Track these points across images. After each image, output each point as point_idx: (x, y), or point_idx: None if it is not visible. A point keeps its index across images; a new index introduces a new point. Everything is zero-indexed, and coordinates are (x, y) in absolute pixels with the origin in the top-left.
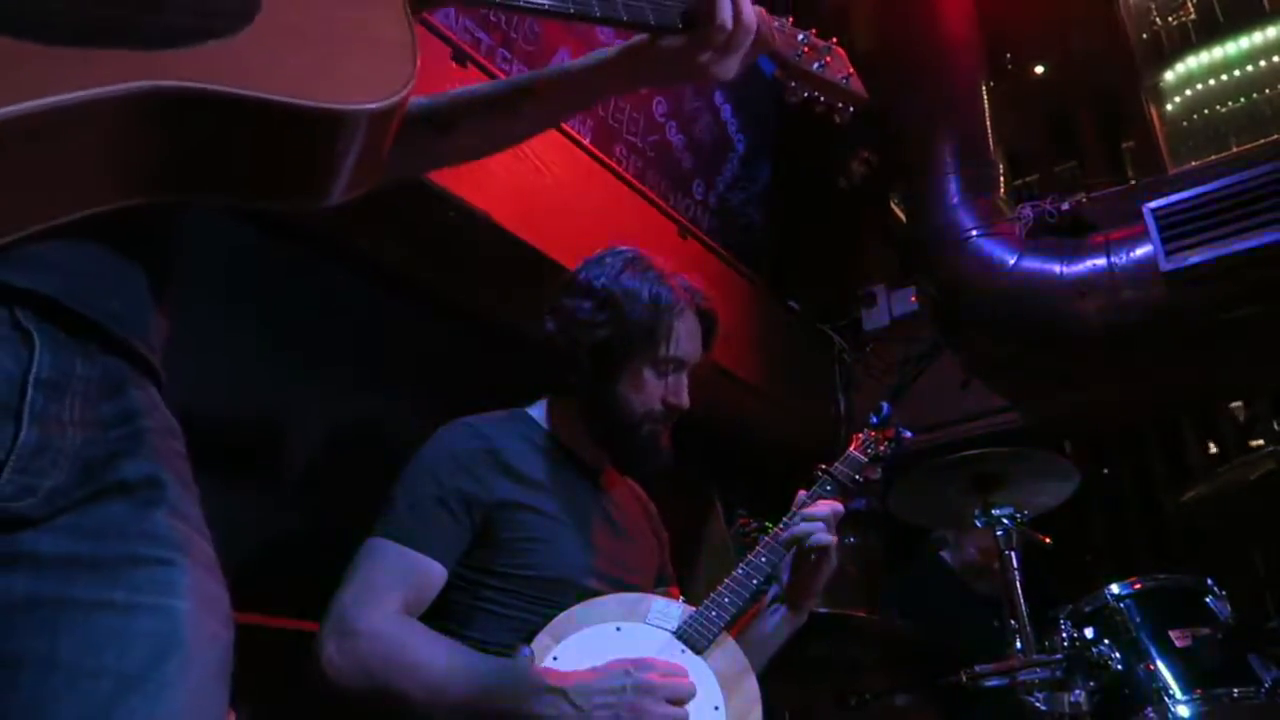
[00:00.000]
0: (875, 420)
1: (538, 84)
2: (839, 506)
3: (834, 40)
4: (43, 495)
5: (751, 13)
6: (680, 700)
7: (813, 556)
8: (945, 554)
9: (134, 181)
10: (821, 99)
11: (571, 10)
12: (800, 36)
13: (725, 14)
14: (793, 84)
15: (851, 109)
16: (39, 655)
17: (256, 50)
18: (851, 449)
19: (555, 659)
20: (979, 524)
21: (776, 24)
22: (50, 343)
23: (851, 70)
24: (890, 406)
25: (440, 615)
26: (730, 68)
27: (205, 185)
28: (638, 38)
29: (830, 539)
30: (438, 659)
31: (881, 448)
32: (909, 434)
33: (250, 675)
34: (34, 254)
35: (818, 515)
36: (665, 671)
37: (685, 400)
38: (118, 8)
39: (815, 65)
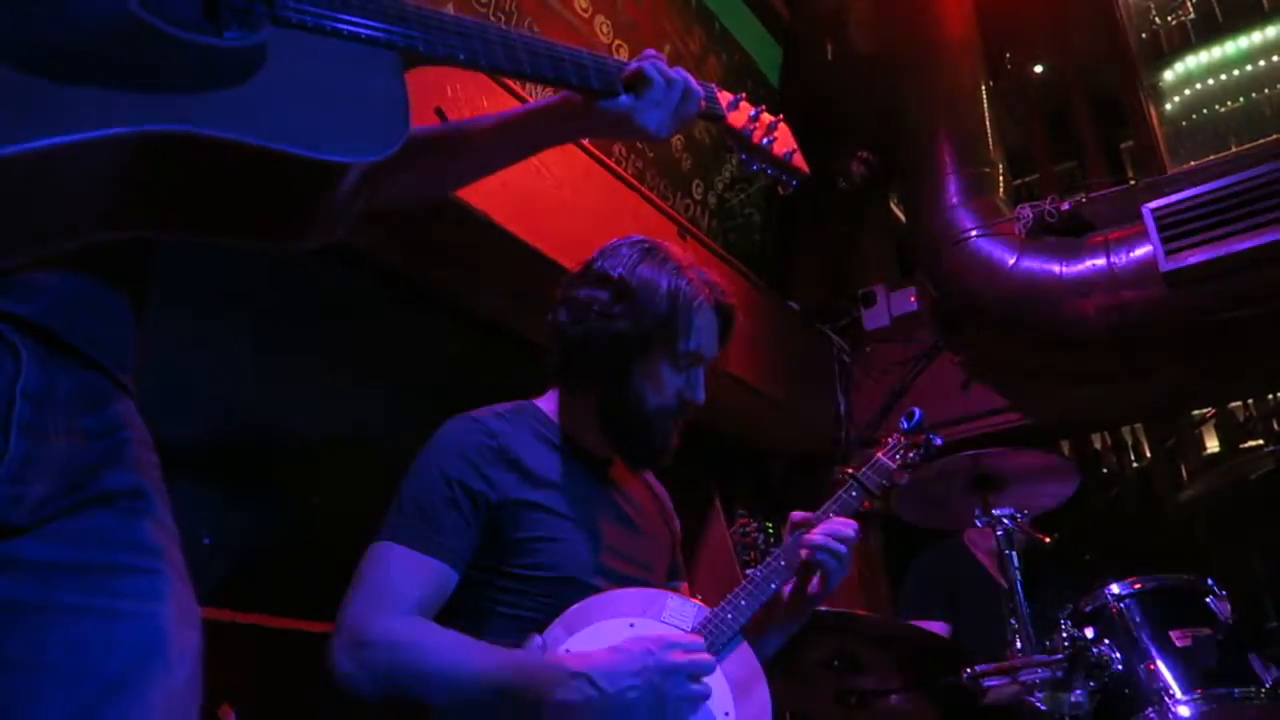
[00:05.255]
0: (906, 425)
1: (471, 130)
2: (855, 526)
3: (780, 116)
4: (31, 504)
5: (686, 77)
6: (701, 676)
7: (820, 572)
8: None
9: (132, 218)
10: (768, 170)
11: (527, 71)
12: (752, 113)
13: (662, 79)
14: (742, 155)
15: (795, 182)
16: (22, 658)
17: (261, 101)
18: (880, 454)
19: (567, 651)
20: (979, 524)
21: (732, 99)
22: (36, 357)
23: (795, 146)
24: (922, 412)
25: (449, 617)
26: (666, 126)
27: (197, 223)
28: (572, 95)
29: (839, 563)
30: (456, 661)
31: (911, 454)
32: (939, 440)
33: (249, 675)
34: (24, 280)
35: (844, 535)
36: (687, 648)
37: (702, 397)
38: (129, 52)
39: (764, 140)
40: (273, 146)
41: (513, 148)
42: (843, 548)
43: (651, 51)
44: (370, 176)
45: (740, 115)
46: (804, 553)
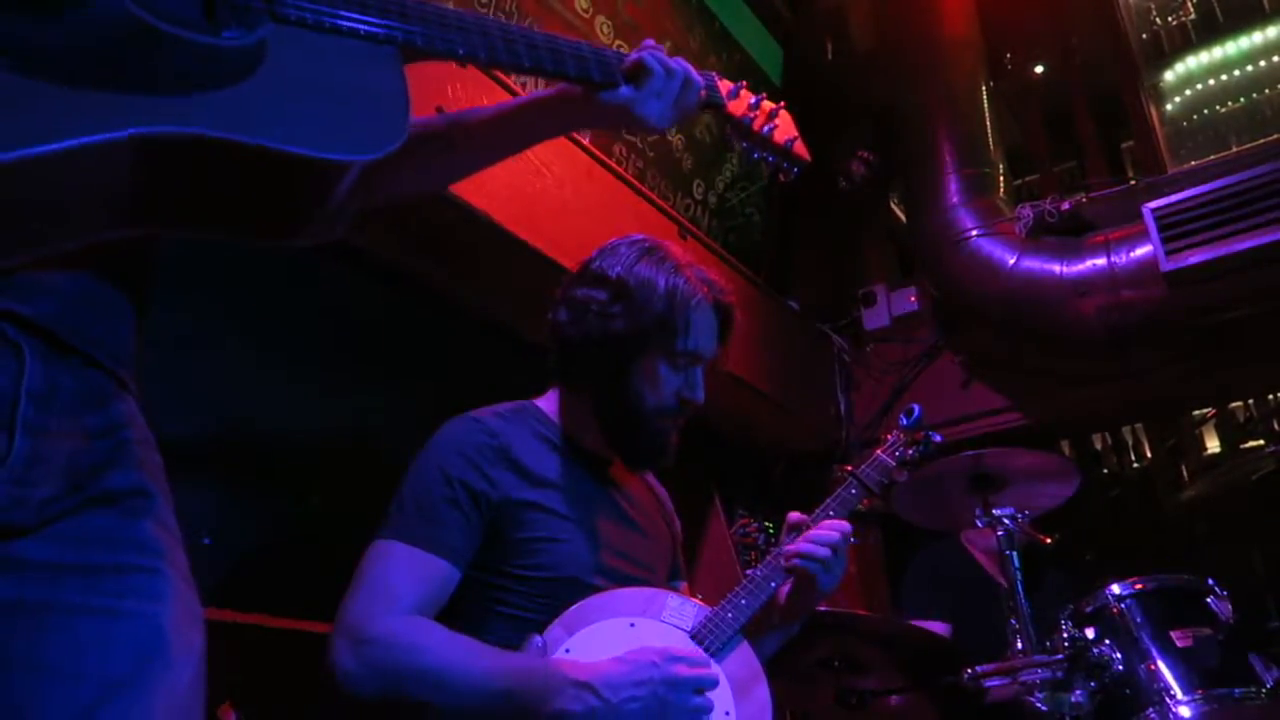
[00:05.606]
0: (905, 422)
1: (471, 122)
2: (847, 528)
3: (782, 104)
4: (34, 505)
5: (686, 66)
6: (705, 690)
7: (809, 580)
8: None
9: (132, 218)
10: (769, 158)
11: (527, 64)
12: (752, 100)
13: (662, 69)
14: (743, 144)
15: (796, 170)
16: (23, 658)
17: (261, 100)
18: (879, 451)
19: (568, 651)
20: (980, 524)
21: (732, 88)
22: (39, 356)
23: (797, 134)
24: (921, 409)
25: (449, 617)
26: (667, 117)
27: (197, 222)
28: (571, 87)
29: (824, 569)
30: (457, 661)
31: (910, 451)
32: (938, 437)
33: (250, 675)
34: (28, 280)
35: (831, 540)
36: (692, 662)
37: (700, 396)
38: (128, 53)
39: (765, 128)
40: (273, 146)
41: (511, 140)
42: (826, 552)
43: (650, 42)
44: (370, 173)
45: (740, 103)
46: (786, 561)
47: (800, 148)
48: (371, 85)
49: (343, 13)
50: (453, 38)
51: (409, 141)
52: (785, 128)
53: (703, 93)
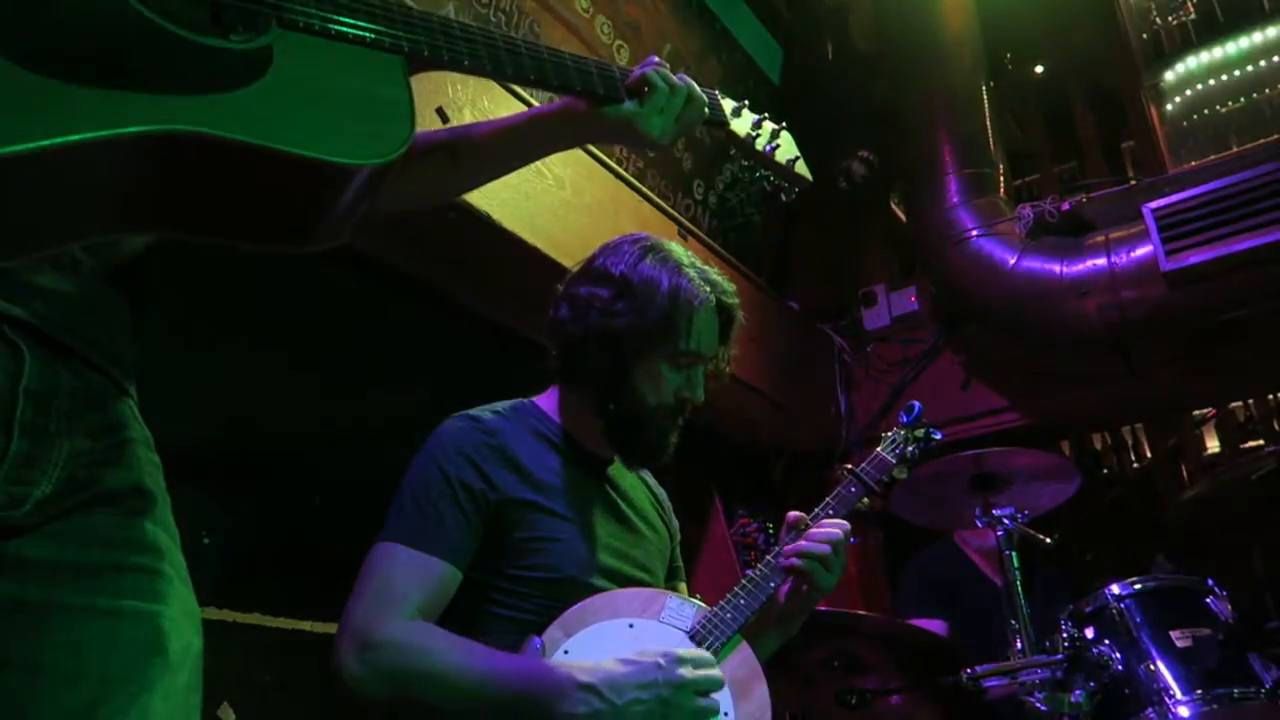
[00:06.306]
0: (905, 419)
1: (474, 135)
2: (846, 526)
3: (783, 124)
4: (33, 505)
5: (689, 83)
6: (710, 692)
7: (809, 578)
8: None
9: (135, 219)
10: (771, 178)
11: (532, 77)
12: (755, 120)
13: (666, 85)
14: (745, 162)
15: (797, 190)
16: (22, 658)
17: (267, 103)
18: (879, 449)
19: (566, 653)
20: (980, 524)
21: (735, 106)
22: (38, 357)
23: (798, 154)
24: (921, 406)
25: (448, 618)
26: (669, 132)
27: (201, 226)
28: (575, 101)
29: (826, 567)
30: (463, 664)
31: (910, 448)
32: (939, 435)
33: (249, 675)
34: (25, 281)
35: (833, 538)
36: (697, 663)
37: (701, 396)
38: (135, 53)
39: (767, 148)
40: (280, 149)
41: (515, 154)
42: (826, 549)
43: (655, 58)
44: (375, 180)
45: (743, 123)
46: (787, 561)
47: (801, 168)
48: (377, 93)
49: (348, 20)
50: (458, 48)
51: (413, 152)
52: (787, 148)
53: (705, 110)
